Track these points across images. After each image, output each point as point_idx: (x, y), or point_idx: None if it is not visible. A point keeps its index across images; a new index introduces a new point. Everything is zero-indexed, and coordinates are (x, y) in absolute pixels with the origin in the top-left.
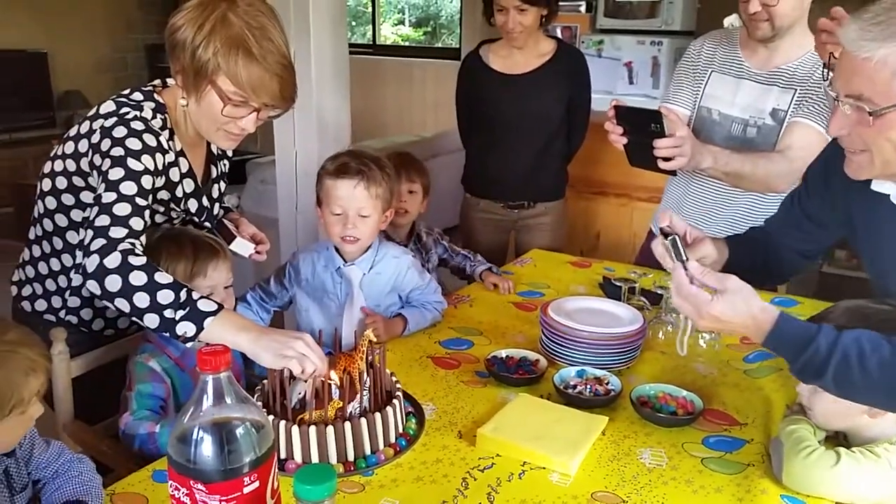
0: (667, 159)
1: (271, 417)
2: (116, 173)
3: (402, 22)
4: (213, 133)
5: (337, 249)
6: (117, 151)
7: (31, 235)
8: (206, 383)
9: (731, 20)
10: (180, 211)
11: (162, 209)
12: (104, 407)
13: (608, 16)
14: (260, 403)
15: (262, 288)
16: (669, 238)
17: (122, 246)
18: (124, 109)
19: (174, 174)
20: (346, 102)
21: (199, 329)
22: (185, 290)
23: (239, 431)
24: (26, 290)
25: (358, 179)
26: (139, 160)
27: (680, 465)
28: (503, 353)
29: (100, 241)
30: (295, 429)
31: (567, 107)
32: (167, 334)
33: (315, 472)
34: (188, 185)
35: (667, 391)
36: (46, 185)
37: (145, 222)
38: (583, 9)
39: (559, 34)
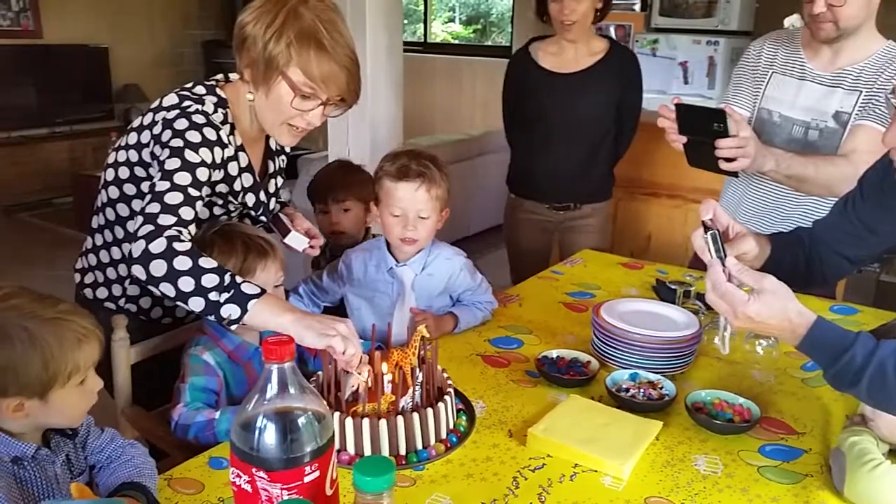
0: (729, 160)
1: None
2: (173, 163)
3: (452, 20)
4: (278, 127)
5: (389, 249)
6: (176, 143)
7: (94, 224)
8: (270, 373)
9: (791, 20)
10: (238, 204)
11: (220, 202)
12: (160, 395)
13: (663, 15)
14: None
15: (314, 282)
16: (710, 232)
17: (168, 233)
18: (186, 102)
19: (233, 168)
20: (399, 100)
21: (244, 312)
22: (228, 273)
23: (301, 421)
24: (88, 278)
25: (419, 182)
26: (196, 152)
27: (735, 472)
28: (554, 354)
29: (147, 227)
30: (349, 420)
31: (617, 109)
32: (212, 317)
33: (374, 464)
34: (246, 179)
35: (723, 398)
36: (109, 174)
37: (196, 212)
38: (637, 7)
39: (612, 33)
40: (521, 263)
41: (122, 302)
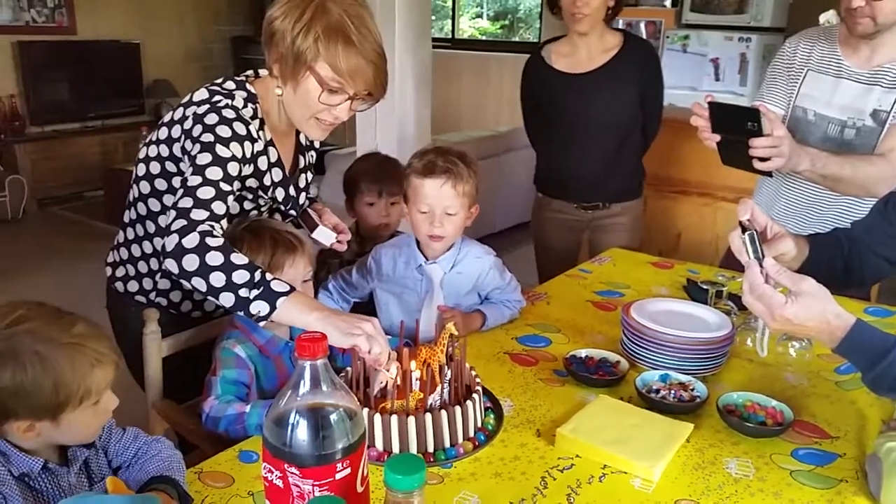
0: (763, 159)
1: None
2: (204, 158)
3: (480, 15)
4: (306, 122)
5: (419, 246)
6: (207, 137)
7: (126, 218)
8: (303, 369)
9: (827, 17)
10: (268, 199)
11: (250, 196)
12: (190, 388)
13: (694, 11)
14: None
15: (343, 278)
16: (748, 233)
17: (201, 227)
18: (216, 97)
19: (262, 163)
20: (427, 97)
21: (272, 309)
22: (259, 270)
23: (333, 418)
24: (119, 272)
25: (445, 178)
26: (227, 147)
27: (768, 476)
28: (582, 353)
29: (181, 222)
30: (377, 417)
31: (639, 102)
32: (241, 313)
33: (406, 462)
34: (276, 174)
35: (755, 400)
36: (141, 169)
37: (227, 207)
38: (668, 3)
39: (643, 29)
40: (549, 262)
41: (152, 295)
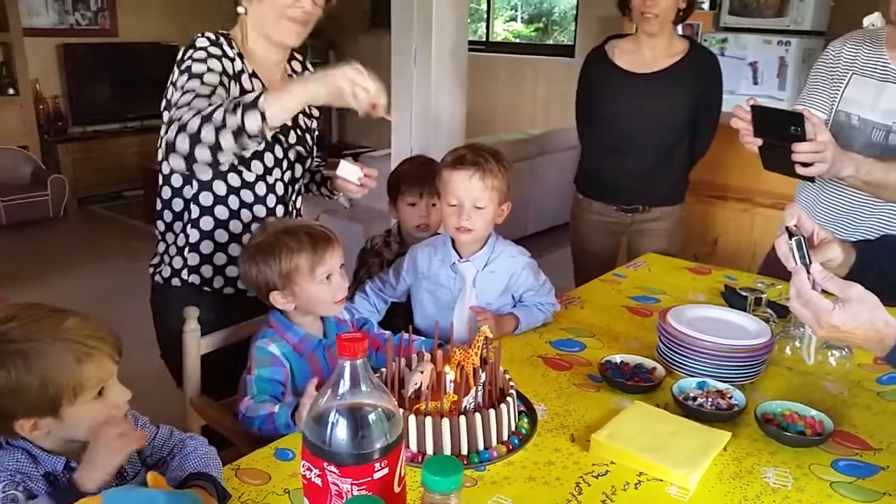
0: (805, 165)
1: None
2: (182, 79)
3: (514, 18)
4: (278, 26)
5: (454, 245)
6: (184, 64)
7: (157, 206)
8: (343, 368)
9: (871, 19)
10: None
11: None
12: (227, 387)
13: (733, 14)
14: None
15: (380, 279)
16: (795, 238)
17: (182, 122)
18: (195, 41)
19: (246, 82)
20: (463, 100)
21: (262, 112)
22: (225, 102)
23: (371, 417)
24: (155, 261)
25: (473, 170)
26: (204, 63)
27: (807, 487)
28: (617, 359)
29: (170, 129)
30: (412, 418)
31: (694, 111)
32: (248, 140)
33: (443, 464)
34: None
35: (794, 409)
36: (160, 153)
37: (212, 88)
38: (706, 6)
39: (679, 32)
40: (587, 265)
41: (184, 274)
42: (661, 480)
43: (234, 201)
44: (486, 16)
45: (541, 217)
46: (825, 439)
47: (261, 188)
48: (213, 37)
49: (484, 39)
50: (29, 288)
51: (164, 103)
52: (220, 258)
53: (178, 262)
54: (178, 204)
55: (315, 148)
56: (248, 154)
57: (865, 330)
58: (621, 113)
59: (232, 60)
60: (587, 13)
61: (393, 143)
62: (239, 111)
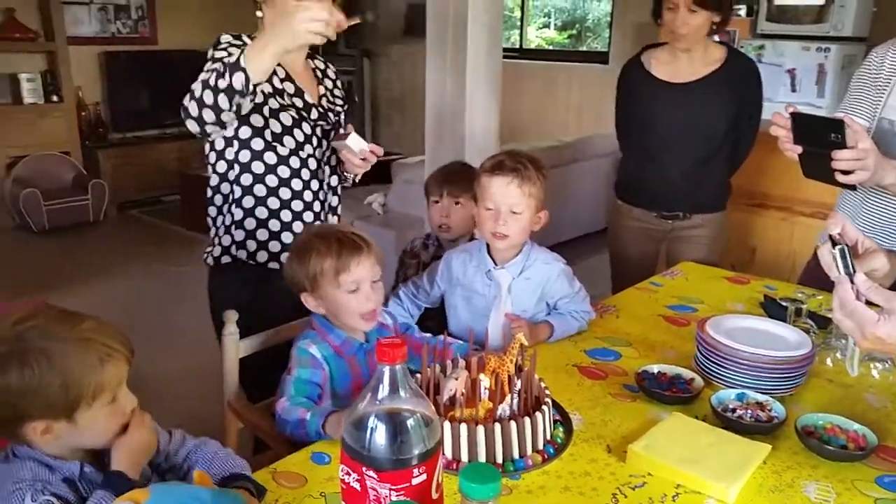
0: (846, 172)
1: None
2: (207, 66)
3: (547, 25)
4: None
5: (489, 251)
6: (208, 61)
7: (208, 193)
8: (382, 373)
9: None
10: (288, 104)
11: (276, 105)
12: (268, 388)
13: (770, 20)
14: None
15: (414, 284)
16: (839, 247)
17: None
18: (215, 41)
19: (275, 81)
20: (497, 108)
21: (244, 71)
22: (219, 66)
23: (410, 423)
24: (208, 246)
25: (512, 177)
26: (224, 50)
27: (850, 503)
28: (654, 369)
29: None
30: (447, 425)
31: (734, 119)
32: (239, 97)
33: (482, 472)
34: (288, 86)
35: (836, 423)
36: (211, 157)
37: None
38: (743, 13)
39: (716, 38)
40: (625, 271)
41: (232, 250)
42: (700, 493)
43: (271, 179)
44: (519, 23)
45: (575, 224)
46: (868, 454)
47: (294, 162)
48: (235, 34)
49: (517, 46)
50: (69, 291)
51: None
52: (262, 234)
53: (226, 241)
54: (224, 187)
55: (342, 127)
56: (244, 110)
57: None
58: (659, 122)
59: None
60: (622, 19)
61: (427, 150)
62: (227, 72)
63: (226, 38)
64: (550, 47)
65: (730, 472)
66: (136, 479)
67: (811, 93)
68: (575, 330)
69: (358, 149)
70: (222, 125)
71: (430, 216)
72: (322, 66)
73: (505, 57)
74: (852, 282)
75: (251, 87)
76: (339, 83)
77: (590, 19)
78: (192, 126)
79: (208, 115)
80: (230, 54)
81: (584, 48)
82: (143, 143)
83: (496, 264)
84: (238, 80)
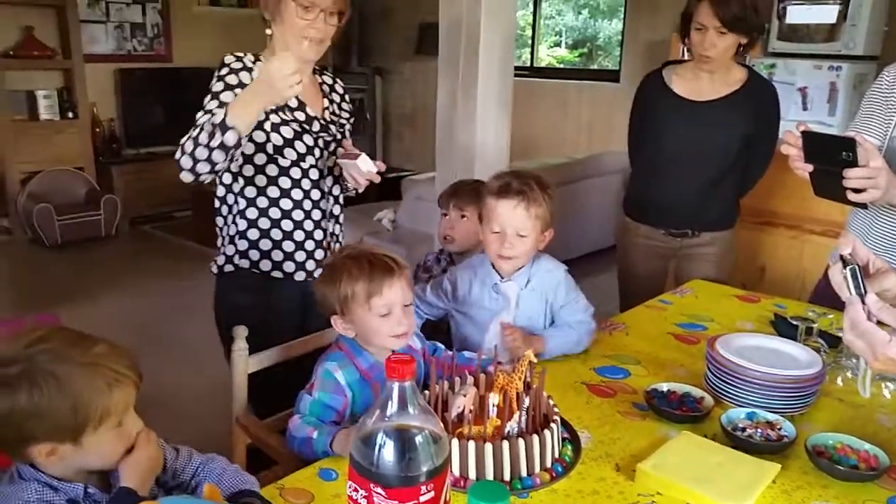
0: (858, 191)
1: None
2: (207, 96)
3: (558, 44)
4: (300, 44)
5: (493, 265)
6: (212, 83)
7: (215, 204)
8: (391, 390)
9: None
10: (291, 119)
11: (278, 120)
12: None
13: (782, 39)
14: None
15: (417, 296)
16: (850, 267)
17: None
18: (220, 62)
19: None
20: (508, 126)
21: (233, 128)
22: (207, 126)
23: (418, 440)
24: (216, 255)
25: (518, 200)
26: (222, 80)
27: None
28: (664, 387)
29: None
30: (455, 442)
31: (748, 141)
32: (234, 150)
33: (489, 489)
34: (291, 101)
35: (847, 443)
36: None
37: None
38: None
39: None
40: (633, 289)
41: (236, 259)
42: None
43: (273, 190)
44: (530, 41)
45: (584, 241)
46: (880, 474)
47: (296, 172)
48: (239, 54)
49: (528, 65)
50: (80, 306)
51: None
52: (265, 244)
53: (230, 250)
54: (229, 198)
55: (347, 139)
56: (239, 160)
57: None
58: (675, 139)
59: (250, 71)
60: (633, 38)
61: (437, 167)
62: (217, 132)
63: (229, 59)
64: (562, 66)
65: (739, 492)
66: (145, 496)
67: (822, 111)
68: (573, 343)
69: (366, 170)
70: (216, 172)
71: (439, 229)
72: (330, 82)
73: (516, 75)
74: (863, 302)
75: (243, 140)
76: (347, 98)
77: (601, 38)
78: (186, 177)
79: (204, 168)
80: (227, 84)
81: (596, 66)
82: (156, 160)
83: (502, 278)
84: (230, 139)
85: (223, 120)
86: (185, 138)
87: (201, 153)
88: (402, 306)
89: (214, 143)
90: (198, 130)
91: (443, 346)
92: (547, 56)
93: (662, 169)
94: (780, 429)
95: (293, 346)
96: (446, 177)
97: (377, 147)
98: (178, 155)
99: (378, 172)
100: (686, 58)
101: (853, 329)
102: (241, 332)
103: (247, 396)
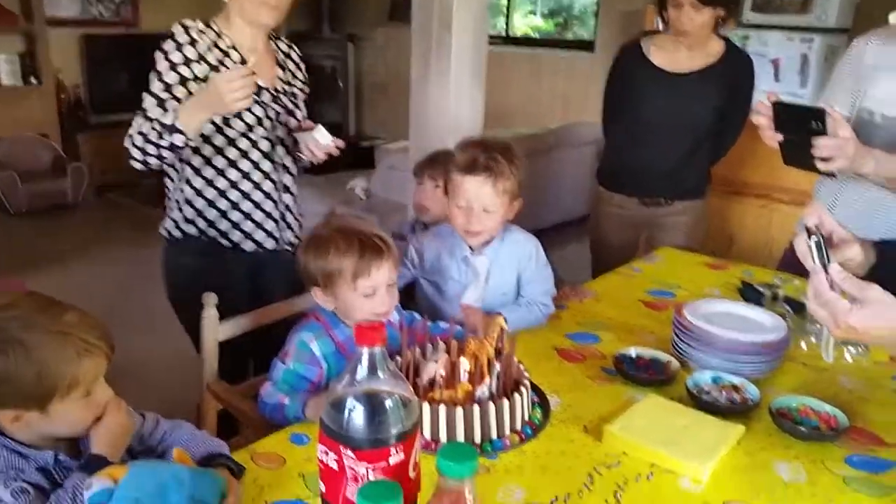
0: (826, 160)
1: None
2: (151, 77)
3: (533, 13)
4: (257, 8)
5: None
6: (158, 60)
7: (164, 168)
8: (361, 355)
9: None
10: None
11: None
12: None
13: (755, 10)
14: None
15: None
16: (814, 238)
17: (135, 129)
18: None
19: (219, 56)
20: (482, 95)
21: (181, 131)
22: (156, 125)
23: (388, 404)
24: (163, 219)
25: (485, 176)
26: (166, 58)
27: (819, 481)
28: (632, 352)
29: (129, 130)
30: (426, 406)
31: (723, 112)
32: (182, 149)
33: (459, 451)
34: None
35: (809, 404)
36: None
37: (165, 109)
38: None
39: None
40: (605, 258)
41: (183, 225)
42: (673, 473)
43: (219, 160)
44: (505, 10)
45: (557, 212)
46: (840, 435)
47: (243, 143)
48: (188, 23)
49: (503, 34)
50: (47, 274)
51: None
52: (211, 213)
53: (177, 216)
54: (177, 164)
55: (301, 115)
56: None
57: (883, 331)
58: (651, 110)
59: (194, 43)
60: (609, 8)
61: (411, 137)
62: (165, 133)
63: (177, 29)
64: (537, 35)
65: (703, 453)
66: (115, 462)
67: (794, 83)
68: (532, 323)
69: (324, 143)
70: (166, 163)
71: (413, 199)
72: (286, 49)
73: (491, 44)
74: (827, 272)
75: (191, 143)
76: (302, 66)
77: (576, 7)
78: (136, 165)
79: (153, 161)
80: (172, 65)
81: (571, 36)
82: (122, 127)
83: (472, 250)
84: (178, 140)
85: (172, 123)
86: (134, 129)
87: (152, 150)
88: (387, 286)
89: (164, 142)
90: (148, 126)
91: (420, 317)
92: (522, 25)
93: (638, 139)
94: (744, 392)
95: (263, 314)
96: (420, 146)
97: (350, 115)
98: (127, 144)
99: (338, 147)
100: (661, 29)
101: (816, 298)
102: (210, 299)
103: (217, 363)
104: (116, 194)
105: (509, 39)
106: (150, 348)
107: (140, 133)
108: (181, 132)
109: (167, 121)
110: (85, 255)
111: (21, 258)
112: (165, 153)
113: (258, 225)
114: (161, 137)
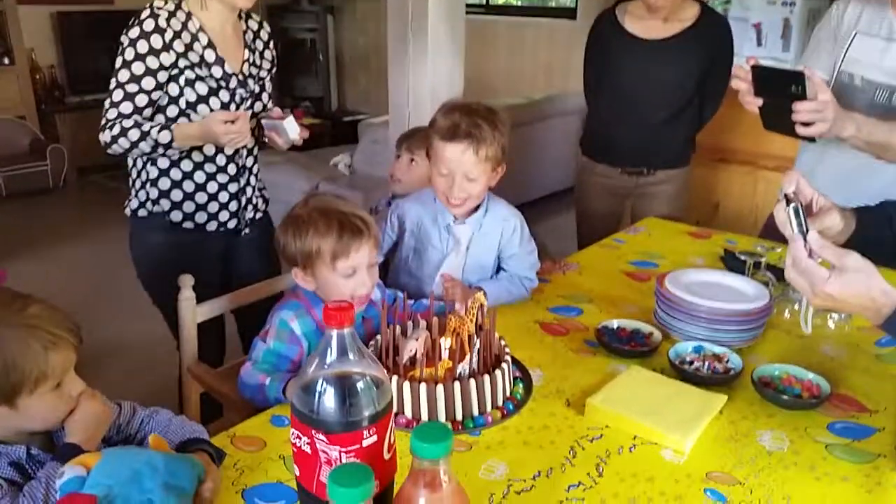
0: (806, 124)
1: None
2: (117, 63)
3: None
4: None
5: None
6: (125, 47)
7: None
8: (330, 337)
9: None
10: (208, 76)
11: (193, 77)
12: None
13: None
14: None
15: None
16: (792, 205)
17: (113, 124)
18: (142, 14)
19: (187, 41)
20: (461, 65)
21: (173, 138)
22: (150, 140)
23: (359, 386)
24: (130, 197)
25: (467, 143)
26: (134, 47)
27: (802, 449)
28: (615, 324)
29: (103, 120)
30: (406, 385)
31: (703, 77)
32: (162, 150)
33: (432, 431)
34: (209, 55)
35: (791, 373)
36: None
37: (135, 104)
38: None
39: None
40: (590, 228)
41: (148, 205)
42: (656, 444)
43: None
44: None
45: (542, 183)
46: (822, 402)
47: None
48: (158, 4)
49: (483, 3)
50: (28, 259)
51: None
52: (176, 194)
53: (142, 195)
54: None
55: (267, 96)
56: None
57: (861, 299)
58: (629, 78)
59: (163, 32)
60: None
61: (390, 111)
62: (160, 148)
63: (144, 14)
64: (517, 3)
65: (685, 423)
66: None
67: (777, 47)
68: (514, 299)
69: (293, 135)
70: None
71: (391, 171)
72: (255, 28)
73: (471, 13)
74: (805, 240)
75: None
76: (271, 45)
77: None
78: (112, 154)
79: (135, 153)
80: (138, 55)
81: (553, 4)
82: (101, 107)
83: (455, 219)
84: (166, 148)
85: (169, 142)
86: (116, 131)
87: (138, 152)
88: (367, 267)
89: (155, 151)
90: (137, 133)
91: (402, 295)
92: None
93: (618, 108)
94: (726, 361)
95: (241, 295)
96: (400, 120)
97: (332, 90)
98: (107, 139)
99: (302, 137)
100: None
101: (795, 266)
102: (187, 280)
103: (197, 345)
104: (99, 176)
105: (491, 8)
106: (135, 330)
107: (126, 139)
108: (172, 146)
109: (163, 140)
110: (68, 239)
111: (2, 244)
112: (151, 152)
113: (223, 206)
114: (154, 150)
